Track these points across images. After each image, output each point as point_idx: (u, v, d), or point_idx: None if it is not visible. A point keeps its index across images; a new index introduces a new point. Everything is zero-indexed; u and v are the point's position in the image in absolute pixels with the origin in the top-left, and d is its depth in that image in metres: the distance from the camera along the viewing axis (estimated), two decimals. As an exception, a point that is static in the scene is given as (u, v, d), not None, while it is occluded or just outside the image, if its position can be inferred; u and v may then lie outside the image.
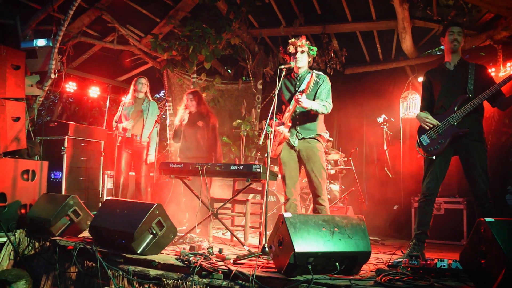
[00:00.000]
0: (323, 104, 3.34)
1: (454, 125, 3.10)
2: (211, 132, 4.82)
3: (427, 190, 3.16)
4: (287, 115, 3.42)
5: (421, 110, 3.35)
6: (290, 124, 3.42)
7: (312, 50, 3.48)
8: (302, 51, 3.43)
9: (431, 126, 3.17)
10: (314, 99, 3.39)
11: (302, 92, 3.23)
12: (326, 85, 3.44)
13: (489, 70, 3.04)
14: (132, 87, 5.14)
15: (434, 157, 3.15)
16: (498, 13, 4.89)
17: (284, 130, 3.39)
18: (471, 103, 3.06)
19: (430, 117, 3.20)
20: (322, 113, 3.37)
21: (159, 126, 4.86)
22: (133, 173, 5.43)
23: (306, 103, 3.23)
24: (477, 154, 3.05)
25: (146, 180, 5.11)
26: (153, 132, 4.98)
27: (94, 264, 2.96)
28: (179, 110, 4.95)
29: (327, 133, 3.54)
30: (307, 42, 3.46)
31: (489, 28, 5.21)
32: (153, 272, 2.70)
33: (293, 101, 3.33)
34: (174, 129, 4.91)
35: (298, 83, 3.49)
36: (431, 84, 3.34)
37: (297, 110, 3.40)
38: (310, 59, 3.53)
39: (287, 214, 2.42)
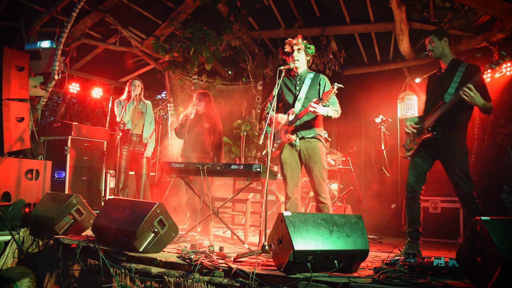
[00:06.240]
0: (336, 109, 3.45)
1: (427, 129, 3.22)
2: (217, 135, 4.84)
3: (408, 186, 3.29)
4: (292, 118, 3.46)
5: (420, 112, 3.48)
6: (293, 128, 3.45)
7: (309, 48, 3.53)
8: (299, 49, 3.48)
9: (408, 131, 3.37)
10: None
11: (320, 101, 3.23)
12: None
13: (485, 71, 3.05)
14: (126, 89, 5.09)
15: (408, 157, 3.38)
16: (493, 16, 4.96)
17: (291, 136, 3.44)
18: (441, 108, 3.14)
19: (408, 123, 3.38)
20: (333, 117, 3.44)
21: (160, 126, 4.86)
22: (133, 173, 5.46)
23: (323, 110, 3.29)
24: (454, 158, 3.11)
25: (146, 180, 5.13)
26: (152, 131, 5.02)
27: (97, 262, 3.01)
28: (188, 108, 4.90)
29: (325, 133, 3.60)
30: (304, 41, 3.51)
31: (485, 30, 5.27)
32: (155, 270, 2.76)
33: (300, 107, 3.40)
34: (179, 123, 4.87)
35: (298, 83, 3.53)
36: (427, 88, 3.46)
37: (304, 116, 3.41)
38: (308, 58, 3.58)
39: (286, 213, 2.47)
